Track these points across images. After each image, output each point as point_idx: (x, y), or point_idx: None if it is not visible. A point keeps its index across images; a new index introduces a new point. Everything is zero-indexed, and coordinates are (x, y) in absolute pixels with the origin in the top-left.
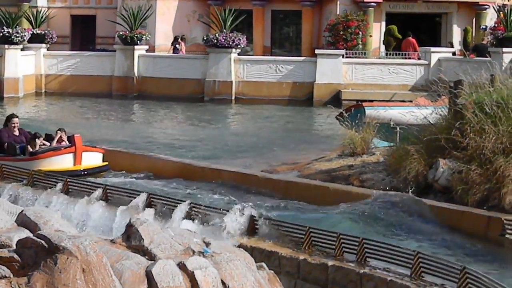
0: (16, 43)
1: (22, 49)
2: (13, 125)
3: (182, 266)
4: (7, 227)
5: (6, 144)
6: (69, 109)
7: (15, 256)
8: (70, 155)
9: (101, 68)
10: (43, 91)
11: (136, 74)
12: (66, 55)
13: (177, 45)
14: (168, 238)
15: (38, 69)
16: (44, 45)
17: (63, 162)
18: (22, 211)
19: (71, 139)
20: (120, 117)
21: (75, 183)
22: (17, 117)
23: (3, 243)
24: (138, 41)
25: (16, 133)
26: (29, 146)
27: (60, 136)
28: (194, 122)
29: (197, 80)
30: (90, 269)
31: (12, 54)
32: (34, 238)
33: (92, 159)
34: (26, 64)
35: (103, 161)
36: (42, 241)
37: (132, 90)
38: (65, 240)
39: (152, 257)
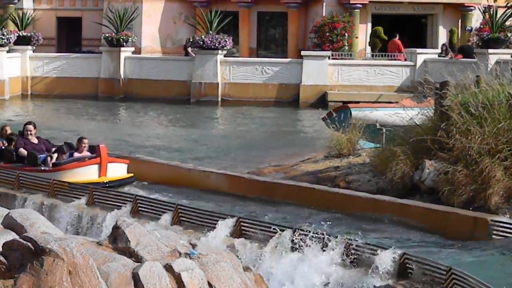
0: (2, 45)
1: (8, 51)
2: (27, 132)
3: (168, 268)
4: None
5: (27, 153)
6: (56, 111)
7: (1, 258)
8: (95, 166)
9: (87, 70)
10: (29, 93)
11: (122, 76)
12: (52, 57)
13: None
14: (155, 240)
15: (24, 71)
16: (30, 47)
17: (88, 173)
18: (9, 213)
19: (94, 149)
20: (106, 119)
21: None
22: (32, 124)
23: None
24: (124, 43)
25: (35, 141)
26: (49, 158)
27: (84, 145)
28: (181, 124)
29: (183, 82)
30: (77, 271)
31: None
32: (21, 240)
33: (117, 170)
34: (12, 66)
35: (127, 172)
36: (29, 243)
37: (118, 92)
38: (51, 242)
39: (138, 259)
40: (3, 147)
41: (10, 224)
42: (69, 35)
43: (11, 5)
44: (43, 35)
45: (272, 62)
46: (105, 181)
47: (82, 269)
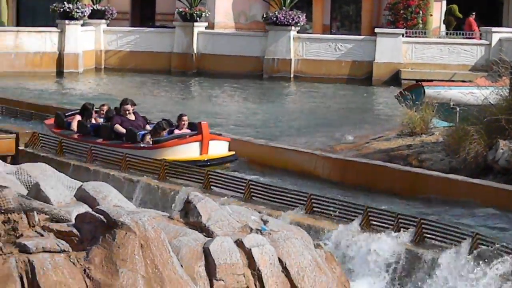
0: (77, 19)
1: (82, 25)
2: (125, 112)
3: (239, 243)
4: (66, 201)
5: (125, 130)
6: (128, 85)
7: (74, 230)
8: (196, 144)
9: (160, 45)
10: (102, 66)
11: (195, 51)
12: (126, 31)
13: None
14: (226, 215)
15: (98, 45)
16: (104, 21)
17: (189, 151)
18: (81, 186)
19: (195, 125)
20: (179, 95)
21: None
22: (129, 103)
23: (62, 217)
24: (198, 18)
25: (132, 117)
26: (147, 135)
27: (184, 123)
28: (254, 100)
29: (256, 58)
30: (148, 244)
31: (73, 29)
32: (93, 213)
33: (219, 148)
34: (86, 39)
35: (229, 150)
36: (101, 216)
37: (191, 67)
38: (123, 215)
39: (209, 234)
40: (100, 124)
41: (83, 197)
42: (143, 10)
43: None
44: (117, 9)
45: (346, 39)
46: (205, 159)
47: (153, 243)
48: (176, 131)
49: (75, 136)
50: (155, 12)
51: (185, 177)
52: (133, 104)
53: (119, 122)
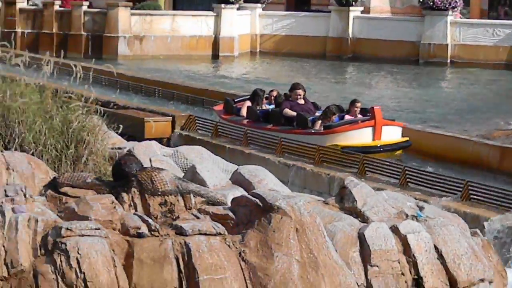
0: (232, 3)
1: (237, 9)
2: (296, 96)
3: (395, 229)
4: (222, 184)
5: (296, 115)
6: (284, 69)
7: (230, 213)
8: (369, 129)
9: (315, 29)
10: (257, 50)
11: (350, 36)
12: (281, 15)
13: None
14: (382, 201)
15: (253, 29)
16: (259, 5)
17: (361, 136)
18: (237, 169)
19: (367, 110)
20: (335, 79)
21: None
22: (300, 87)
23: (218, 200)
24: (354, 2)
25: (301, 102)
26: (318, 120)
27: (356, 109)
28: (410, 85)
29: (412, 43)
30: (304, 229)
31: (228, 13)
32: (249, 196)
33: (392, 134)
34: (241, 23)
35: (402, 136)
36: (257, 200)
37: (346, 51)
38: (279, 199)
39: (364, 220)
40: (269, 110)
41: (238, 180)
42: None
43: None
44: None
45: (504, 24)
46: (378, 145)
47: (309, 228)
48: (347, 117)
49: (245, 122)
50: None
51: (340, 162)
52: (304, 90)
53: (288, 107)
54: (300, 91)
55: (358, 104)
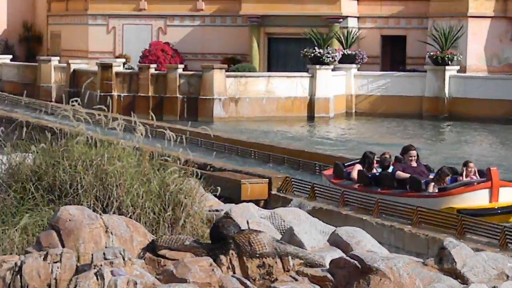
0: (327, 64)
1: (332, 70)
2: (410, 158)
3: None
4: (319, 246)
5: (409, 178)
6: (379, 130)
7: (328, 275)
8: (486, 191)
9: (411, 89)
10: (353, 111)
11: (447, 95)
12: (377, 75)
13: None
14: (481, 262)
15: (348, 89)
16: (354, 65)
17: (477, 198)
18: (335, 230)
19: (483, 172)
20: (431, 139)
21: None
22: (415, 149)
23: (316, 262)
24: (449, 62)
25: (414, 164)
26: (433, 183)
27: (470, 170)
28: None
29: (510, 101)
30: None
31: (323, 74)
32: (347, 258)
33: (509, 195)
34: (336, 84)
35: None
36: (355, 262)
37: (443, 110)
38: (378, 261)
39: (464, 281)
40: (377, 174)
41: (336, 242)
42: (393, 54)
43: (336, 24)
44: (367, 53)
45: None
46: (496, 207)
47: None
48: (460, 178)
49: (356, 186)
50: (405, 56)
51: (439, 223)
52: (417, 151)
53: (401, 169)
54: (414, 153)
55: (471, 165)
